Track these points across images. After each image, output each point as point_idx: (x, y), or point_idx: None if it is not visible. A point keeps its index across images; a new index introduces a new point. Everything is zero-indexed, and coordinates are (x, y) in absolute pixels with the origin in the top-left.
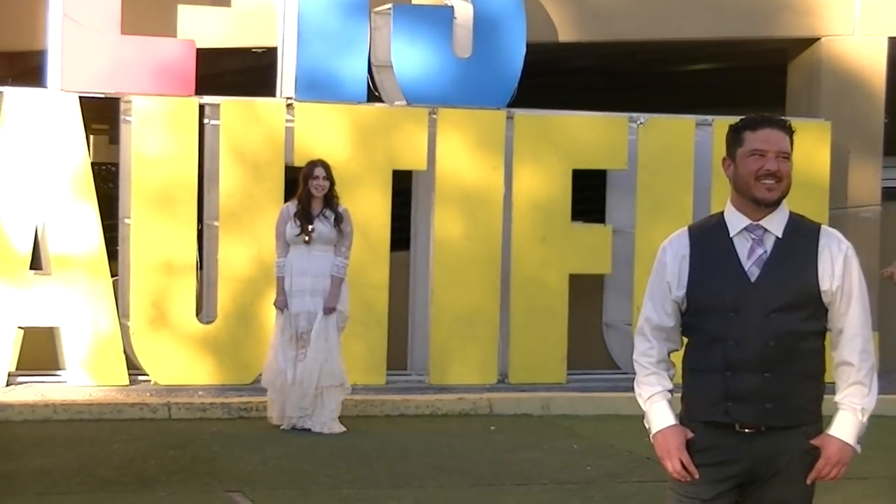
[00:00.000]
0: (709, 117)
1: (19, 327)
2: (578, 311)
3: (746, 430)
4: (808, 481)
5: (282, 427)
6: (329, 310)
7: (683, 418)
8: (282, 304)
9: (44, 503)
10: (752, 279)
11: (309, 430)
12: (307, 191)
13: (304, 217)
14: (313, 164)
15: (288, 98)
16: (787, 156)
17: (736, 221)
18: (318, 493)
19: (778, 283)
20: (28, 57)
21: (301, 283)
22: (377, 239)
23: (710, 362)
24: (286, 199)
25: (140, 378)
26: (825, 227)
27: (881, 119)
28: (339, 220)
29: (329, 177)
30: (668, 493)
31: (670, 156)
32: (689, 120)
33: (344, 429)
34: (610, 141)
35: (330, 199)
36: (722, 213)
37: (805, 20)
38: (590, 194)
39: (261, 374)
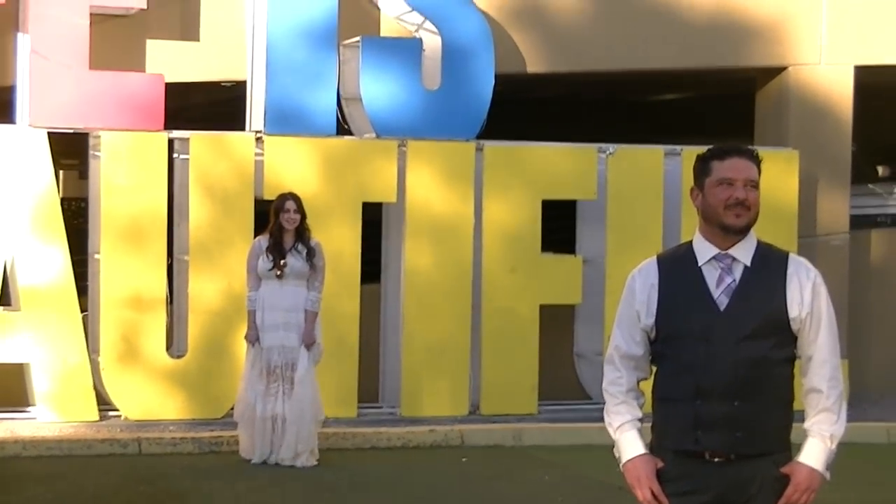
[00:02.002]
0: (678, 147)
1: None
2: (549, 341)
3: (716, 459)
4: None
5: (252, 461)
6: (309, 345)
7: (654, 447)
8: (253, 338)
9: None
10: (722, 308)
11: (292, 466)
12: (278, 224)
13: (277, 251)
14: (284, 197)
15: (257, 132)
16: (755, 184)
17: (704, 250)
18: None
19: (747, 312)
20: None
21: (273, 318)
22: (348, 271)
23: (680, 391)
24: (256, 233)
25: (110, 413)
26: (793, 255)
27: (849, 147)
28: (311, 254)
29: (300, 210)
30: None
31: (639, 185)
32: (657, 150)
33: (315, 462)
34: (579, 171)
35: (302, 233)
36: (690, 242)
37: (772, 49)
38: (559, 225)
39: (232, 408)
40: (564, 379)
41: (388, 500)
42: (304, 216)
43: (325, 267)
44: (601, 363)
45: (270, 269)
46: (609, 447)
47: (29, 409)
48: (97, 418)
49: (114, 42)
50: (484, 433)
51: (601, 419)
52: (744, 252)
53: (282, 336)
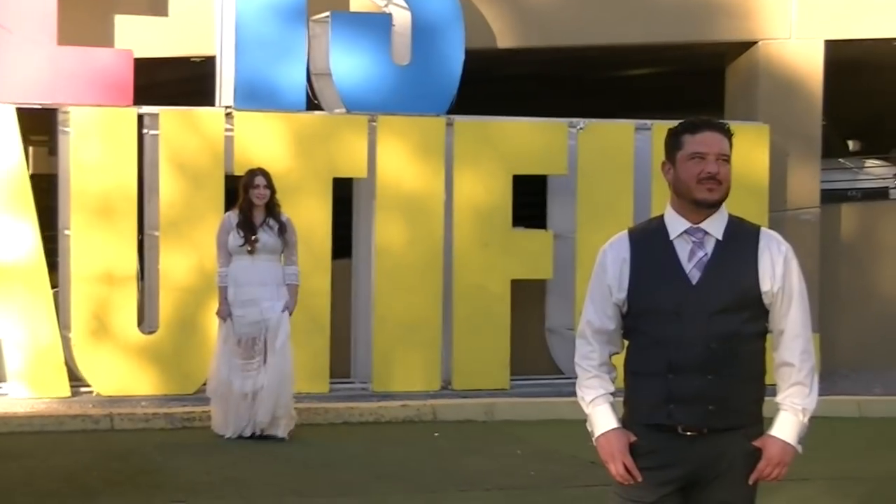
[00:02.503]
0: (648, 122)
1: None
2: (521, 316)
3: (689, 433)
4: (750, 482)
5: (226, 436)
6: (290, 312)
7: (626, 421)
8: (224, 314)
9: None
10: (694, 282)
11: (273, 437)
12: (248, 200)
13: (248, 227)
14: (253, 172)
15: (227, 107)
16: (726, 158)
17: (676, 224)
18: (262, 502)
19: (719, 286)
20: None
21: (245, 293)
22: (319, 247)
23: (653, 365)
24: (227, 209)
25: (82, 389)
26: (764, 230)
27: (819, 121)
28: (282, 229)
29: (270, 185)
30: (612, 496)
31: (610, 160)
32: (628, 124)
33: (293, 426)
34: (550, 146)
35: (272, 208)
36: (661, 216)
37: (742, 24)
38: (530, 200)
39: (205, 384)
40: (536, 354)
41: (361, 475)
42: (273, 192)
43: (297, 241)
44: (572, 338)
45: (242, 245)
46: (581, 421)
47: (0, 385)
48: (69, 394)
49: (82, 17)
50: (456, 408)
51: (573, 394)
52: (715, 226)
53: (254, 311)
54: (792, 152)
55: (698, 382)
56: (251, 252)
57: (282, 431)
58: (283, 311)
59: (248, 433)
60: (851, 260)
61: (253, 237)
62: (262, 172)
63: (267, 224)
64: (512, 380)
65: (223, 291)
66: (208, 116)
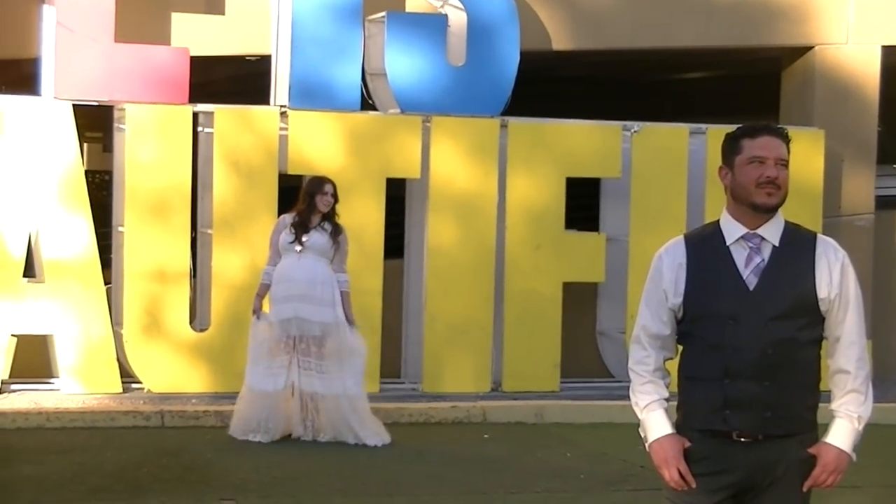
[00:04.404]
0: (702, 125)
1: (12, 335)
2: (572, 319)
3: (743, 439)
4: (804, 489)
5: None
6: (351, 322)
7: (680, 427)
8: (255, 308)
9: None
10: (751, 288)
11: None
12: (313, 205)
13: (301, 227)
14: (322, 179)
15: (282, 106)
16: (785, 163)
17: (732, 230)
18: (311, 501)
19: (776, 292)
20: (22, 65)
21: (287, 289)
22: (371, 247)
23: (709, 370)
24: (280, 207)
25: (133, 386)
26: (821, 236)
27: (874, 127)
28: (336, 232)
29: (335, 194)
30: (665, 502)
31: (664, 164)
32: (682, 128)
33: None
34: (604, 149)
35: (331, 216)
36: (717, 221)
37: (799, 28)
38: (584, 202)
39: None
40: (586, 356)
41: (410, 475)
42: (336, 201)
43: (349, 251)
44: (623, 341)
45: (291, 243)
46: (631, 425)
47: (53, 380)
48: (120, 390)
49: (139, 15)
50: (506, 410)
51: (623, 397)
52: (772, 232)
53: (296, 307)
54: (847, 158)
55: (754, 388)
56: (299, 251)
57: (370, 439)
58: (339, 320)
59: (300, 435)
60: None
61: (303, 237)
62: (331, 181)
63: (321, 226)
64: (562, 382)
65: (262, 288)
66: (263, 115)
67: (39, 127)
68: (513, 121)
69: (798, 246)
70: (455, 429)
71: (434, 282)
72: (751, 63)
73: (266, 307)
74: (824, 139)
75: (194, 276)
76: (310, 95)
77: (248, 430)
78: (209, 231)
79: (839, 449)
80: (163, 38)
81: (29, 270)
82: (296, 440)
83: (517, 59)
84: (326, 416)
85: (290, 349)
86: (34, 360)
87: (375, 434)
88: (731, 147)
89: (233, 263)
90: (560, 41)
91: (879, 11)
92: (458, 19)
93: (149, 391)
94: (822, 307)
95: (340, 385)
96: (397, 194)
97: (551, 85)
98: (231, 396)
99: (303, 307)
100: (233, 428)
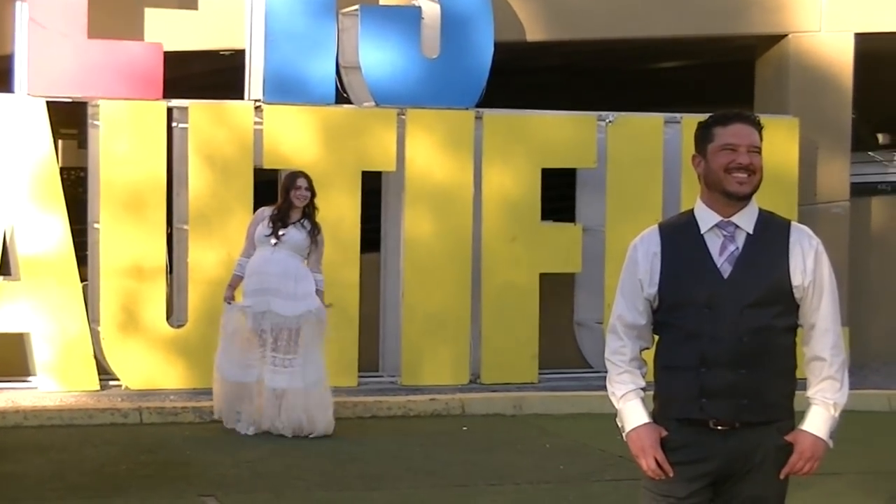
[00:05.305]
0: (677, 115)
1: None
2: (549, 310)
3: (720, 428)
4: (782, 476)
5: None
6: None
7: (657, 416)
8: (227, 297)
9: None
10: (725, 276)
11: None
12: (288, 200)
13: (280, 222)
14: (295, 174)
15: (256, 100)
16: (757, 150)
17: (707, 218)
18: (291, 496)
19: (751, 280)
20: None
21: (259, 282)
22: (347, 240)
23: (684, 359)
24: (256, 202)
25: (111, 383)
26: (795, 224)
27: (849, 115)
28: (315, 230)
29: (311, 188)
30: (643, 491)
31: (639, 154)
32: (657, 117)
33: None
34: (579, 139)
35: (310, 213)
36: (692, 210)
37: (772, 17)
38: (560, 192)
39: None
40: (564, 347)
41: (389, 468)
42: (313, 194)
43: (324, 252)
44: (601, 331)
45: (267, 236)
46: (609, 415)
47: (30, 378)
48: (98, 388)
49: (112, 11)
50: (484, 402)
51: (601, 387)
52: (746, 220)
53: (269, 301)
54: (822, 145)
55: (731, 376)
56: (275, 245)
57: (321, 429)
58: (313, 309)
59: (265, 427)
60: (881, 253)
61: (280, 232)
62: (304, 175)
63: (301, 223)
64: (540, 373)
65: (235, 279)
66: (237, 110)
67: (13, 124)
68: (488, 112)
69: (772, 234)
70: (434, 421)
71: (411, 275)
72: (725, 52)
73: (239, 298)
74: (799, 127)
75: (170, 271)
76: (284, 89)
77: (231, 420)
78: (185, 227)
79: (815, 436)
80: (136, 33)
81: (4, 268)
82: (278, 437)
83: (491, 50)
84: (288, 410)
85: (263, 343)
86: (11, 358)
87: (325, 427)
88: (703, 135)
89: (209, 259)
90: (534, 32)
91: None
92: (431, 11)
93: (126, 388)
94: (797, 294)
95: (301, 378)
96: (373, 187)
97: (527, 76)
98: (209, 392)
99: (275, 301)
100: (217, 412)
